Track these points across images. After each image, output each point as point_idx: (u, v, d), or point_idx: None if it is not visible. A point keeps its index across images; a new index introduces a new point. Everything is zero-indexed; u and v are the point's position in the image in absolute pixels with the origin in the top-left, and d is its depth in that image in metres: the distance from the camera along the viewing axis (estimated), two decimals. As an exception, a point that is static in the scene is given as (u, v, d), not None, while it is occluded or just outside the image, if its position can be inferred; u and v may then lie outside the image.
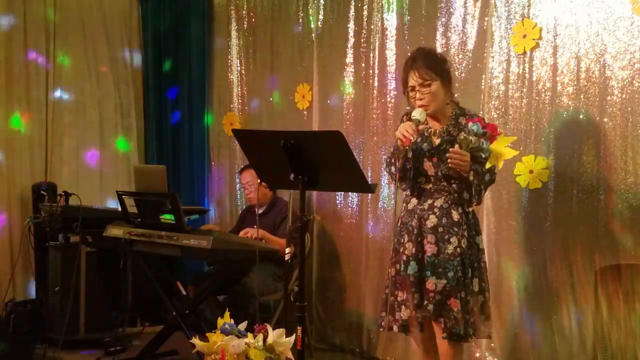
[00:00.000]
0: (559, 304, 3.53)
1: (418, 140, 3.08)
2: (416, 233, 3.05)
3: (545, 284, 3.60)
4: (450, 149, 2.91)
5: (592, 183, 3.45)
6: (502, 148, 2.96)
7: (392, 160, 3.09)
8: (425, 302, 2.98)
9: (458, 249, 2.96)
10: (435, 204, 3.05)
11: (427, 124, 3.11)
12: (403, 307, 3.04)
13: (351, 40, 4.56)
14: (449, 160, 2.90)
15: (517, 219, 3.73)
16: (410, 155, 3.04)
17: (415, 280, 3.01)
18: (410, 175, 3.08)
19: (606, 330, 3.24)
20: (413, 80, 3.02)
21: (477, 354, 3.82)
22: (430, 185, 3.08)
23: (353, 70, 4.56)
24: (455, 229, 2.99)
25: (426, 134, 3.09)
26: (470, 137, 2.88)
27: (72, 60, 5.58)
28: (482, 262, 3.08)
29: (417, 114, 2.95)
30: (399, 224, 3.19)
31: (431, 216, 3.03)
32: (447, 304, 2.94)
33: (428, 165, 3.06)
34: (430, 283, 2.97)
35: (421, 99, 3.01)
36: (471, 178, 2.94)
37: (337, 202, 4.63)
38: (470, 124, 2.93)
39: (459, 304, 2.93)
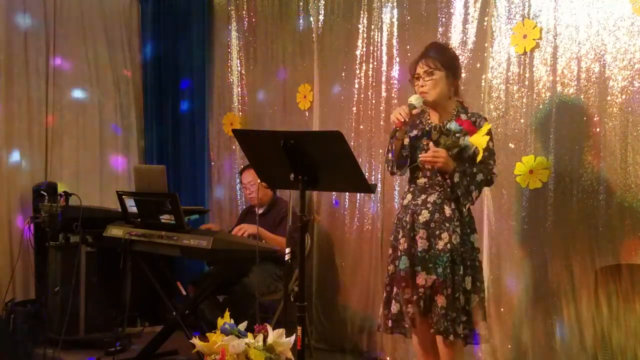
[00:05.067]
0: (559, 304, 3.53)
1: (418, 134, 3.11)
2: (409, 228, 3.07)
3: (545, 284, 3.59)
4: (421, 155, 2.98)
5: (592, 183, 3.45)
6: (480, 138, 2.97)
7: (389, 147, 3.13)
8: (416, 297, 3.00)
9: (448, 245, 2.97)
10: (428, 200, 3.07)
11: (429, 118, 3.13)
12: (393, 301, 3.07)
13: (351, 40, 4.55)
14: (419, 158, 2.97)
15: (517, 219, 3.73)
16: (407, 141, 3.08)
17: (406, 275, 3.03)
18: (408, 163, 3.12)
19: (606, 330, 3.24)
20: (420, 68, 3.09)
21: (478, 354, 3.81)
22: (425, 180, 3.10)
23: (353, 70, 4.56)
24: (447, 225, 3.00)
25: (427, 129, 3.12)
26: (448, 135, 2.95)
27: (72, 60, 5.59)
28: (477, 261, 3.08)
29: (413, 99, 3.02)
30: (395, 221, 3.21)
31: (424, 211, 3.05)
32: (435, 300, 2.96)
33: None
34: (421, 278, 2.99)
35: (423, 86, 3.06)
36: (456, 180, 2.97)
37: (337, 202, 4.63)
38: (449, 124, 3.00)
39: (444, 300, 2.94)
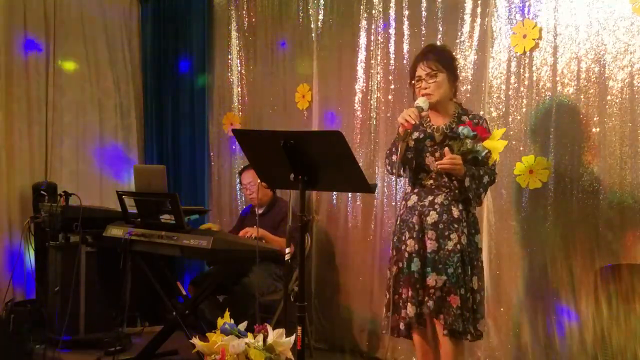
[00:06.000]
0: (559, 304, 3.53)
1: (421, 137, 3.11)
2: (417, 229, 3.06)
3: (545, 284, 3.60)
4: (438, 162, 2.97)
5: (592, 183, 3.46)
6: (495, 142, 2.97)
7: (393, 150, 3.12)
8: (426, 298, 2.99)
9: (458, 246, 2.98)
10: (435, 201, 3.06)
11: (429, 120, 3.13)
12: (409, 304, 3.03)
13: (351, 41, 4.55)
14: (437, 165, 2.95)
15: (517, 219, 3.73)
16: (412, 144, 3.08)
17: (419, 277, 3.02)
18: (412, 165, 3.11)
19: (606, 330, 3.24)
20: (421, 70, 3.09)
21: (478, 354, 3.81)
22: (431, 182, 3.10)
23: (353, 70, 4.55)
24: (455, 226, 3.01)
25: (429, 130, 3.12)
26: (462, 141, 2.93)
27: (72, 60, 5.59)
28: (480, 261, 3.10)
29: (420, 102, 3.02)
30: (398, 222, 3.20)
31: (432, 212, 3.05)
32: (447, 300, 2.96)
33: (430, 161, 3.08)
34: (431, 279, 2.99)
35: (426, 88, 3.07)
36: (467, 184, 2.97)
37: (335, 202, 4.63)
38: (460, 128, 2.98)
39: (459, 300, 2.95)
